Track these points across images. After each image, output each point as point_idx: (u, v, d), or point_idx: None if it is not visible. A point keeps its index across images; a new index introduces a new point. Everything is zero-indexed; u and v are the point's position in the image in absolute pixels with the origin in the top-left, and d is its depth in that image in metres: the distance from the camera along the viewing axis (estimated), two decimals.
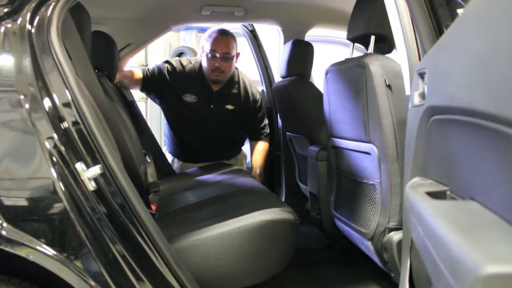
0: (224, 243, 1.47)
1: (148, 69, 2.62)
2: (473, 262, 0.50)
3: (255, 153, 2.69)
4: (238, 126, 2.70)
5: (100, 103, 1.44)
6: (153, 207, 1.90)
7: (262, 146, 2.71)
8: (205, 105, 2.57)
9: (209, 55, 2.45)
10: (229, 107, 2.59)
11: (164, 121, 2.88)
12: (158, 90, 2.63)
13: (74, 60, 1.37)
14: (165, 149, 3.01)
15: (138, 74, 2.61)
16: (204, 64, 2.50)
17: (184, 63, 2.61)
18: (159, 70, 2.59)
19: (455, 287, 0.53)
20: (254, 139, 2.74)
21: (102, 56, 2.05)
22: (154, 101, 2.76)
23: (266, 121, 2.73)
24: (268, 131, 2.75)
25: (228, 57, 2.46)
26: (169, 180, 2.49)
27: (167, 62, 2.62)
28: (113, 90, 2.08)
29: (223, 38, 2.46)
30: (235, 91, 2.60)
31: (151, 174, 2.25)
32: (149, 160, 2.31)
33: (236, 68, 2.64)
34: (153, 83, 2.60)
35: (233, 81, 2.59)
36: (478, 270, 0.48)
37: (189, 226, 1.54)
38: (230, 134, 2.73)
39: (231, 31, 2.60)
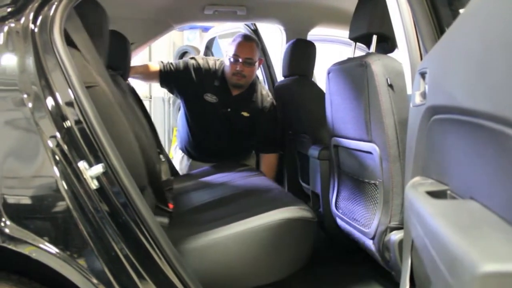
0: (243, 242, 1.48)
1: (171, 64, 2.64)
2: (470, 261, 0.50)
3: (266, 168, 2.70)
4: (250, 134, 2.71)
5: (114, 94, 1.46)
6: (170, 206, 1.90)
7: (272, 160, 2.72)
8: (222, 107, 2.60)
9: (232, 59, 2.49)
10: (245, 114, 2.62)
11: (178, 117, 2.89)
12: (180, 85, 2.66)
13: (83, 53, 1.38)
14: (175, 146, 3.02)
15: (154, 68, 2.62)
16: (227, 67, 2.53)
17: (210, 62, 2.63)
18: (185, 65, 2.61)
19: (453, 286, 0.54)
20: (264, 151, 2.76)
21: (117, 55, 2.06)
22: (176, 96, 2.80)
23: (278, 133, 2.73)
24: (278, 141, 2.74)
25: (250, 62, 2.49)
26: (182, 179, 2.51)
27: (193, 58, 2.65)
28: (127, 89, 2.09)
29: (247, 44, 2.50)
30: (253, 99, 2.62)
31: (164, 172, 2.26)
32: (163, 159, 2.32)
33: (257, 78, 2.68)
34: (176, 77, 2.62)
35: (252, 89, 2.62)
36: (476, 269, 0.48)
37: (208, 224, 1.54)
38: (241, 140, 2.76)
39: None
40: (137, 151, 1.50)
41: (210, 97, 2.59)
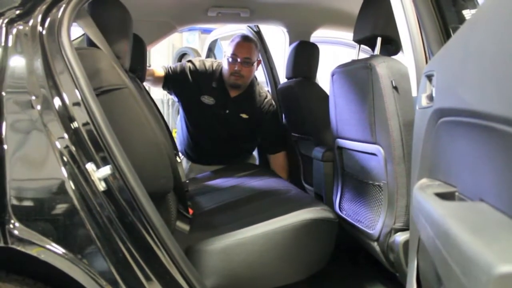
0: (269, 242, 1.50)
1: (170, 67, 2.67)
2: (486, 262, 0.51)
3: (278, 168, 2.72)
4: (249, 136, 2.73)
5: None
6: (191, 211, 1.89)
7: (283, 159, 2.74)
8: (220, 109, 2.61)
9: (230, 59, 2.50)
10: (244, 115, 2.63)
11: (177, 119, 2.90)
12: (178, 88, 2.67)
13: (102, 48, 1.40)
14: None
15: (160, 72, 2.65)
16: (225, 67, 2.55)
17: (207, 64, 2.65)
18: (182, 68, 2.63)
19: (467, 287, 0.54)
20: (272, 152, 2.77)
21: (135, 58, 2.06)
22: (174, 99, 2.81)
23: (281, 132, 2.75)
24: (283, 139, 2.76)
25: (248, 62, 2.51)
26: (196, 181, 2.51)
27: (190, 61, 2.66)
28: (145, 91, 2.11)
29: (245, 44, 2.52)
30: (252, 101, 2.63)
31: (181, 174, 2.27)
32: (179, 160, 2.32)
33: (256, 79, 2.68)
34: (174, 80, 2.64)
35: (251, 90, 2.63)
36: (492, 270, 0.49)
37: (231, 225, 1.55)
38: (241, 142, 2.77)
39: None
40: (165, 153, 1.51)
41: (207, 99, 2.60)
